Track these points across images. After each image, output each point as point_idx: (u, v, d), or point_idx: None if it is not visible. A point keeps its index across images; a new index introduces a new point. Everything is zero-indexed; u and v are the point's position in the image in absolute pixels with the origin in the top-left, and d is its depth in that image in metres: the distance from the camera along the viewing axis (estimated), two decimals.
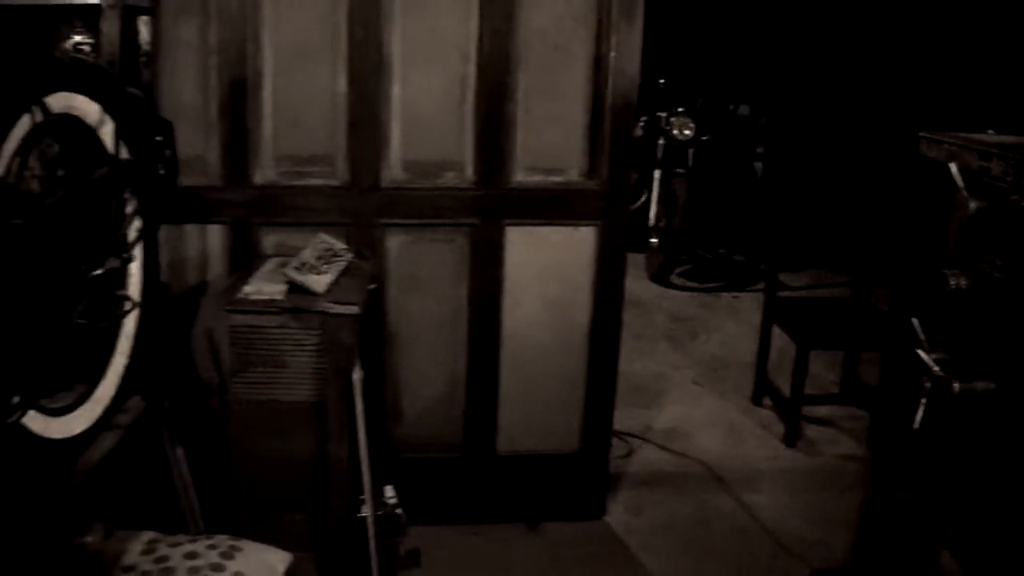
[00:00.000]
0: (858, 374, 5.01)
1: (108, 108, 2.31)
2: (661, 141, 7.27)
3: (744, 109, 7.80)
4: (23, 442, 1.93)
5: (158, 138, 2.65)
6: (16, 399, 1.72)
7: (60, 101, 2.11)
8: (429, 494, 3.60)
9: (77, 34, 3.04)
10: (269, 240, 3.35)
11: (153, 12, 3.23)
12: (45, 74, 2.08)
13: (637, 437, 4.57)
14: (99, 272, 2.13)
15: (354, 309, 2.73)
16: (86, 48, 3.04)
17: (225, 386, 2.84)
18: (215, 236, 3.36)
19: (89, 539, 2.18)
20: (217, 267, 3.37)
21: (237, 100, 3.32)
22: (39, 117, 2.00)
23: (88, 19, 3.03)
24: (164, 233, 2.95)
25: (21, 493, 1.97)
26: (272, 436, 2.81)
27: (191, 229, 3.33)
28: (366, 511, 2.92)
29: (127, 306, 2.32)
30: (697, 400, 5.19)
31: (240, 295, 2.77)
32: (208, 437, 3.02)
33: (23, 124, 1.96)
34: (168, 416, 2.77)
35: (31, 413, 1.91)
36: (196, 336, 3.29)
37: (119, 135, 2.32)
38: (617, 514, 3.91)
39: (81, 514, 2.18)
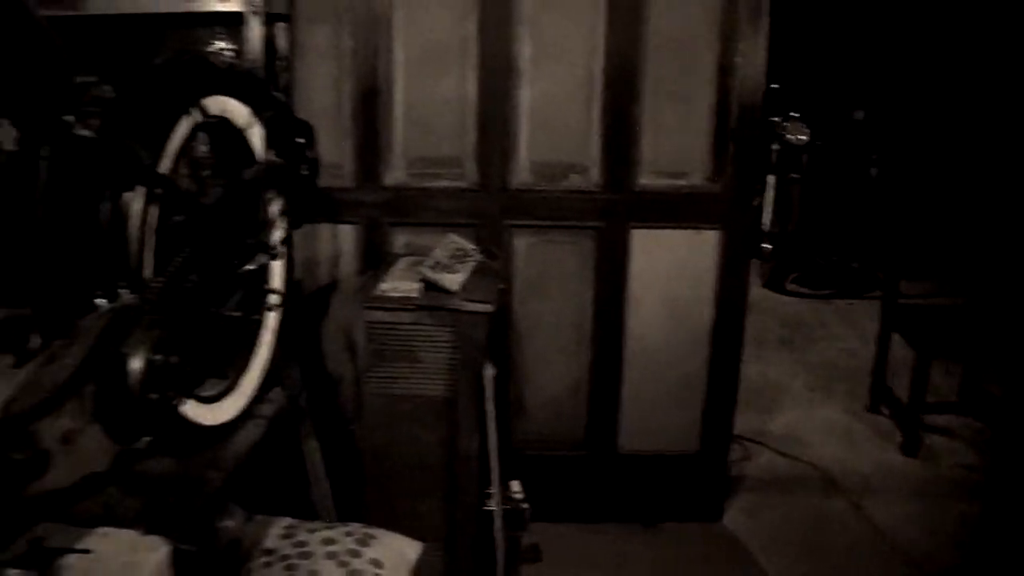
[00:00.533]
0: (978, 383, 4.91)
1: (257, 111, 2.40)
2: (775, 146, 7.20)
3: (859, 114, 7.68)
4: (179, 427, 2.03)
5: (300, 140, 2.75)
6: (179, 387, 1.80)
7: (216, 104, 2.20)
8: (549, 490, 3.64)
9: (219, 40, 3.18)
10: (399, 240, 3.45)
11: (289, 19, 3.34)
12: (203, 78, 2.18)
13: (753, 441, 4.55)
14: (251, 268, 2.22)
15: (487, 307, 2.79)
16: (228, 54, 3.17)
17: (360, 380, 2.92)
18: (347, 235, 3.46)
19: (230, 523, 2.27)
20: (348, 266, 3.47)
21: (369, 104, 3.41)
22: (198, 118, 2.10)
23: (230, 25, 3.17)
24: (298, 232, 3.05)
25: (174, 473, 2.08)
26: (404, 429, 2.89)
27: (324, 228, 3.44)
28: (493, 505, 2.98)
29: (273, 301, 2.41)
30: (812, 406, 5.15)
31: (377, 292, 2.85)
32: (341, 429, 3.10)
33: (184, 125, 2.07)
34: (303, 408, 2.87)
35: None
36: (327, 332, 3.38)
37: (268, 138, 2.42)
38: (734, 517, 3.91)
39: (225, 498, 2.27)
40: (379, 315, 2.83)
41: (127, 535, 1.74)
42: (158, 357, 1.67)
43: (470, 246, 3.10)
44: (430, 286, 2.86)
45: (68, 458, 1.50)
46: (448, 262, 2.92)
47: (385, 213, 3.43)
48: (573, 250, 3.50)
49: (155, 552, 1.70)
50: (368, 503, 2.98)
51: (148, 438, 1.73)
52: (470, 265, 2.99)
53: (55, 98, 1.62)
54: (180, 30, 3.37)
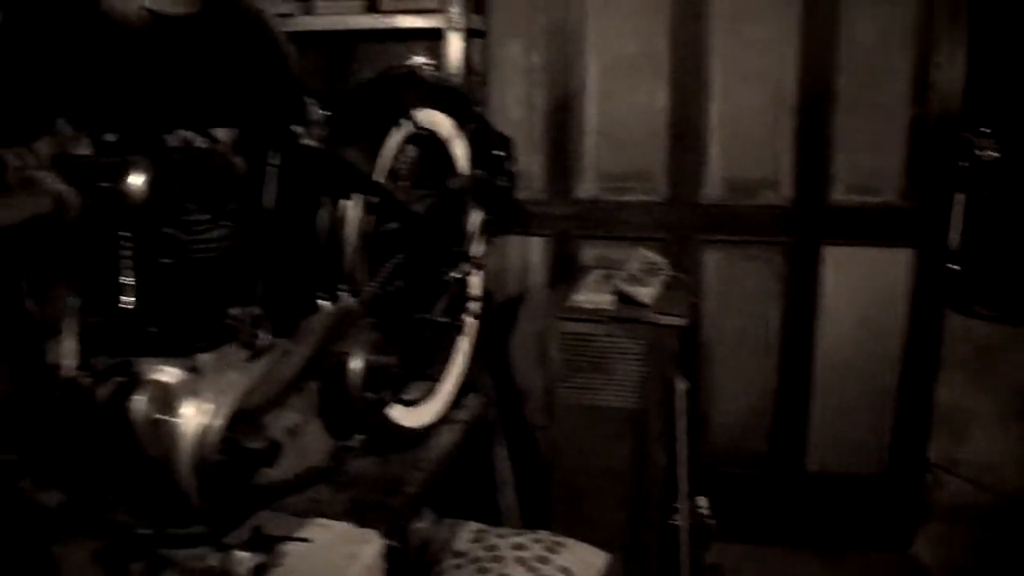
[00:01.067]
0: None
1: (460, 124, 2.47)
2: (964, 163, 6.94)
3: None
4: (385, 427, 2.11)
5: (499, 153, 2.81)
6: (393, 388, 1.87)
7: (424, 117, 2.28)
8: (730, 508, 3.60)
9: (418, 55, 3.27)
10: (588, 253, 3.48)
11: (484, 35, 3.43)
12: (413, 91, 2.26)
13: (943, 468, 4.40)
14: (455, 276, 2.28)
15: (681, 320, 2.80)
16: (428, 68, 3.26)
17: (550, 390, 2.96)
18: (536, 247, 3.51)
19: (421, 524, 2.33)
20: (536, 277, 3.52)
21: (560, 117, 3.46)
22: (410, 130, 2.18)
23: (424, 40, 3.27)
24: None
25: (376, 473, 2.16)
26: (593, 439, 2.91)
27: (514, 240, 3.50)
28: (679, 520, 2.97)
29: (474, 308, 2.47)
30: (1005, 434, 4.93)
31: (571, 303, 2.89)
32: (529, 438, 3.15)
33: (396, 136, 2.14)
34: (494, 415, 2.93)
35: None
36: (517, 342, 3.44)
37: (470, 150, 2.49)
38: (924, 547, 3.78)
39: (422, 500, 2.33)
40: (572, 326, 2.86)
41: (342, 527, 1.81)
42: (375, 359, 1.75)
43: (661, 260, 3.11)
44: (623, 299, 2.88)
45: (290, 450, 1.57)
46: (640, 275, 2.94)
47: (575, 226, 3.47)
48: (763, 265, 3.47)
49: (370, 545, 1.76)
50: (554, 511, 3.01)
51: (362, 436, 1.80)
52: (661, 279, 2.99)
53: (287, 110, 1.70)
54: (373, 44, 3.51)
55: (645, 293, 2.87)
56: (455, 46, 3.17)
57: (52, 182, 1.28)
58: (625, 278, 2.92)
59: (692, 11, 3.35)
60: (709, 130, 3.40)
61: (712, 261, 3.46)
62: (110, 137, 1.38)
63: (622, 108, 3.44)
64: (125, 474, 1.40)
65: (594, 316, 2.85)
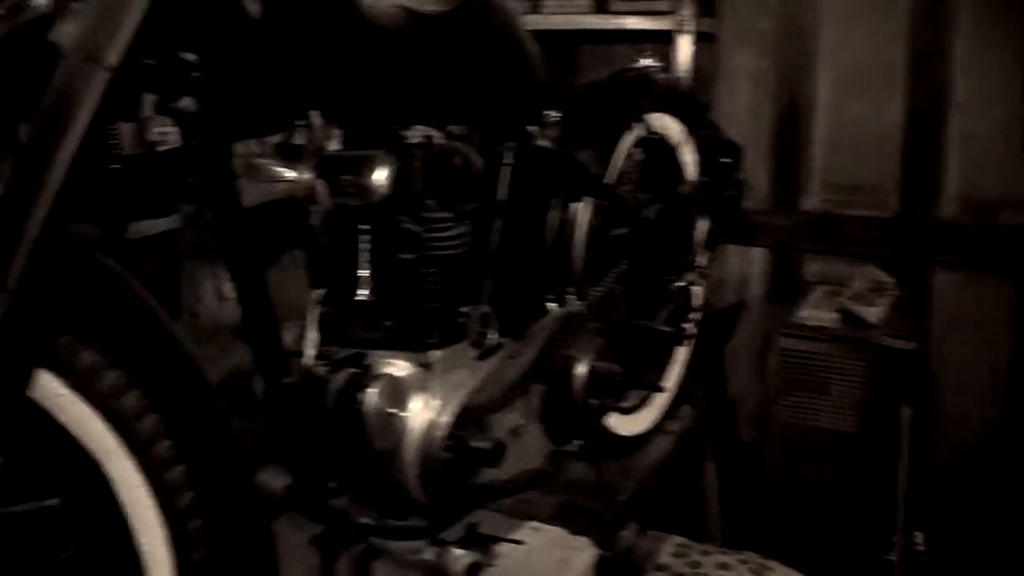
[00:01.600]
0: None
1: (691, 130, 2.43)
2: None
3: None
4: (602, 434, 2.09)
5: (727, 161, 2.75)
6: (615, 396, 1.85)
7: (655, 121, 2.25)
8: (950, 547, 3.42)
9: (645, 58, 3.24)
10: (810, 267, 3.35)
11: (713, 39, 3.37)
12: (647, 95, 2.23)
13: None
14: (680, 285, 2.24)
15: (910, 344, 2.67)
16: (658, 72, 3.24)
17: (767, 406, 2.89)
18: (757, 258, 3.42)
19: (624, 534, 2.29)
20: (756, 289, 3.43)
21: (787, 126, 3.36)
22: (641, 133, 2.15)
23: (650, 42, 3.24)
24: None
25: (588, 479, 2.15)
26: (807, 461, 2.81)
27: (734, 249, 3.42)
28: (894, 555, 2.84)
29: (694, 319, 2.42)
30: None
31: (795, 319, 2.80)
32: (739, 453, 3.08)
33: (627, 140, 2.12)
34: (704, 428, 2.88)
35: None
36: (733, 354, 3.37)
37: (699, 156, 2.45)
38: None
39: (632, 509, 2.30)
40: (794, 343, 2.77)
41: (555, 531, 1.81)
42: (600, 365, 1.72)
43: (888, 279, 2.98)
44: (849, 318, 2.77)
45: (512, 451, 1.56)
46: (866, 294, 2.82)
47: (798, 238, 3.35)
48: (996, 291, 3.27)
49: (583, 553, 1.75)
50: (761, 533, 2.93)
51: (580, 442, 1.78)
52: (888, 299, 2.87)
53: (527, 110, 1.70)
54: (599, 44, 3.50)
55: (871, 313, 2.75)
56: (684, 50, 3.13)
57: (278, 170, 1.31)
58: (851, 296, 2.81)
59: (933, 19, 3.19)
60: (947, 146, 3.23)
61: (942, 283, 3.27)
62: (356, 132, 1.41)
63: (853, 119, 3.29)
64: (350, 463, 1.43)
65: (818, 334, 2.76)
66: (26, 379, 0.91)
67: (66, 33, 0.99)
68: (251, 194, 1.28)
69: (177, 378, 1.09)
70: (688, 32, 3.12)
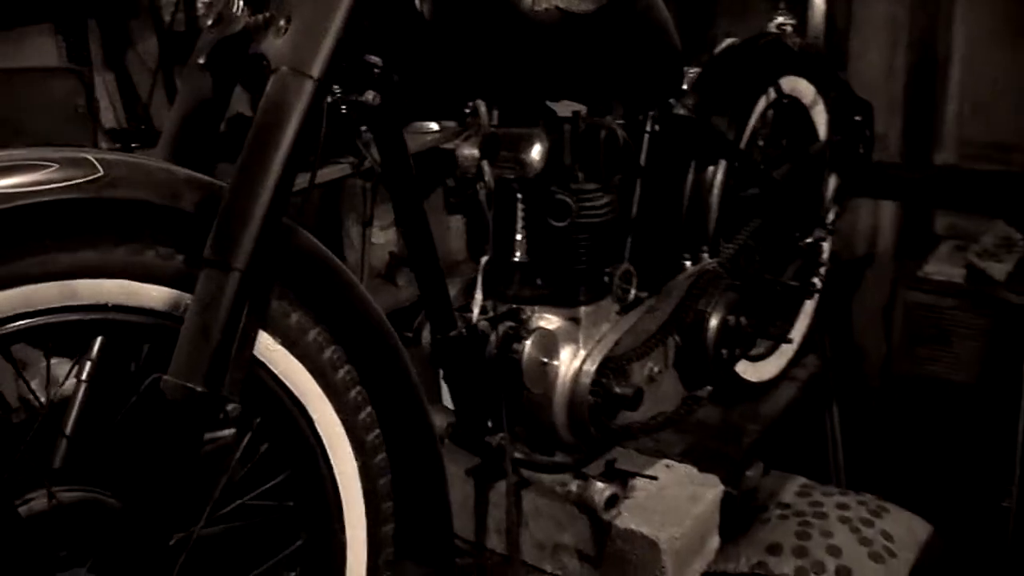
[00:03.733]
0: None
1: (821, 91, 2.52)
2: None
3: None
4: (731, 380, 2.24)
5: (857, 119, 2.82)
6: (744, 346, 1.99)
7: (787, 84, 2.35)
8: None
9: (780, 15, 3.31)
10: (940, 222, 3.40)
11: None
12: (780, 60, 2.33)
13: None
14: (809, 241, 2.36)
15: None
16: (788, 28, 3.30)
17: (892, 357, 2.98)
18: (886, 212, 3.48)
19: (750, 473, 2.43)
20: (884, 242, 3.49)
21: (922, 81, 3.39)
22: (775, 96, 2.27)
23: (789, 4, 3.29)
24: None
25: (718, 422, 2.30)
26: (928, 410, 2.91)
27: (864, 203, 3.48)
28: (1010, 502, 2.92)
29: (821, 273, 2.53)
30: None
31: (920, 273, 2.88)
32: (863, 402, 3.18)
33: (761, 103, 2.24)
34: (830, 376, 2.98)
35: None
36: (860, 306, 3.45)
37: (830, 116, 2.54)
38: None
39: (758, 450, 2.44)
40: (920, 296, 2.86)
41: (686, 469, 1.97)
42: (731, 318, 1.87)
43: (1019, 236, 3.02)
44: (974, 273, 2.84)
45: (649, 396, 1.73)
46: (995, 250, 2.88)
47: (929, 193, 3.40)
48: None
49: (713, 489, 1.91)
50: (880, 476, 3.03)
51: (711, 388, 1.94)
52: (1017, 256, 2.92)
53: (668, 86, 1.84)
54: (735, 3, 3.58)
55: (999, 269, 2.81)
56: (819, 7, 3.18)
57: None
58: (979, 252, 2.87)
59: None
60: None
61: None
62: (512, 110, 1.58)
63: (990, 76, 3.30)
64: (507, 405, 1.61)
65: (942, 288, 2.84)
66: (253, 339, 1.10)
67: (272, 45, 1.17)
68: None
69: (367, 334, 1.28)
70: None
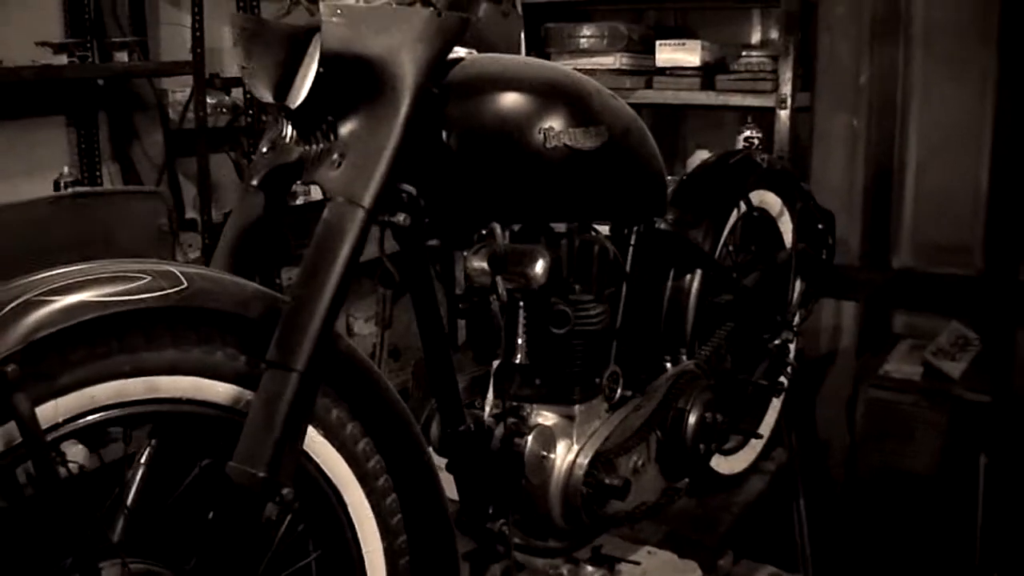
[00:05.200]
0: None
1: (787, 203, 2.73)
2: None
3: None
4: (706, 473, 2.40)
5: (820, 226, 3.02)
6: (719, 441, 2.17)
7: (757, 197, 2.56)
8: None
9: (747, 128, 3.55)
10: (898, 321, 3.59)
11: (810, 110, 3.66)
12: (750, 175, 2.54)
13: None
14: (777, 343, 2.55)
15: (985, 398, 2.93)
16: (755, 141, 3.53)
17: (852, 452, 3.15)
18: (848, 312, 3.67)
19: (722, 563, 2.58)
20: (845, 341, 3.68)
21: (879, 187, 3.60)
22: (744, 209, 2.47)
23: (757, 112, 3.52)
24: None
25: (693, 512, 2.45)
26: (890, 502, 3.07)
27: (826, 303, 3.67)
28: None
29: (789, 372, 2.71)
30: None
31: (881, 372, 3.07)
32: (827, 494, 3.33)
33: (733, 216, 2.44)
34: (795, 469, 3.14)
35: None
36: (822, 402, 3.62)
37: (795, 225, 2.74)
38: None
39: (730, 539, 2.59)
40: (880, 393, 3.04)
41: (667, 556, 2.13)
42: (708, 415, 2.05)
43: (972, 335, 3.22)
44: (930, 371, 3.03)
45: (634, 487, 1.89)
46: (950, 349, 3.08)
47: (887, 294, 3.59)
48: None
49: (692, 574, 2.07)
50: (845, 565, 3.18)
51: (688, 480, 2.11)
52: (971, 354, 3.12)
53: (653, 206, 2.03)
54: (705, 111, 3.81)
55: (954, 367, 3.01)
56: (784, 123, 3.40)
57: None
58: (935, 351, 3.07)
59: (1017, 83, 3.33)
60: None
61: None
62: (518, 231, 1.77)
63: (943, 180, 3.50)
64: (507, 494, 1.78)
65: (902, 386, 3.02)
66: (304, 431, 1.27)
67: (327, 176, 1.35)
68: None
69: (393, 428, 1.44)
70: (786, 107, 3.39)
